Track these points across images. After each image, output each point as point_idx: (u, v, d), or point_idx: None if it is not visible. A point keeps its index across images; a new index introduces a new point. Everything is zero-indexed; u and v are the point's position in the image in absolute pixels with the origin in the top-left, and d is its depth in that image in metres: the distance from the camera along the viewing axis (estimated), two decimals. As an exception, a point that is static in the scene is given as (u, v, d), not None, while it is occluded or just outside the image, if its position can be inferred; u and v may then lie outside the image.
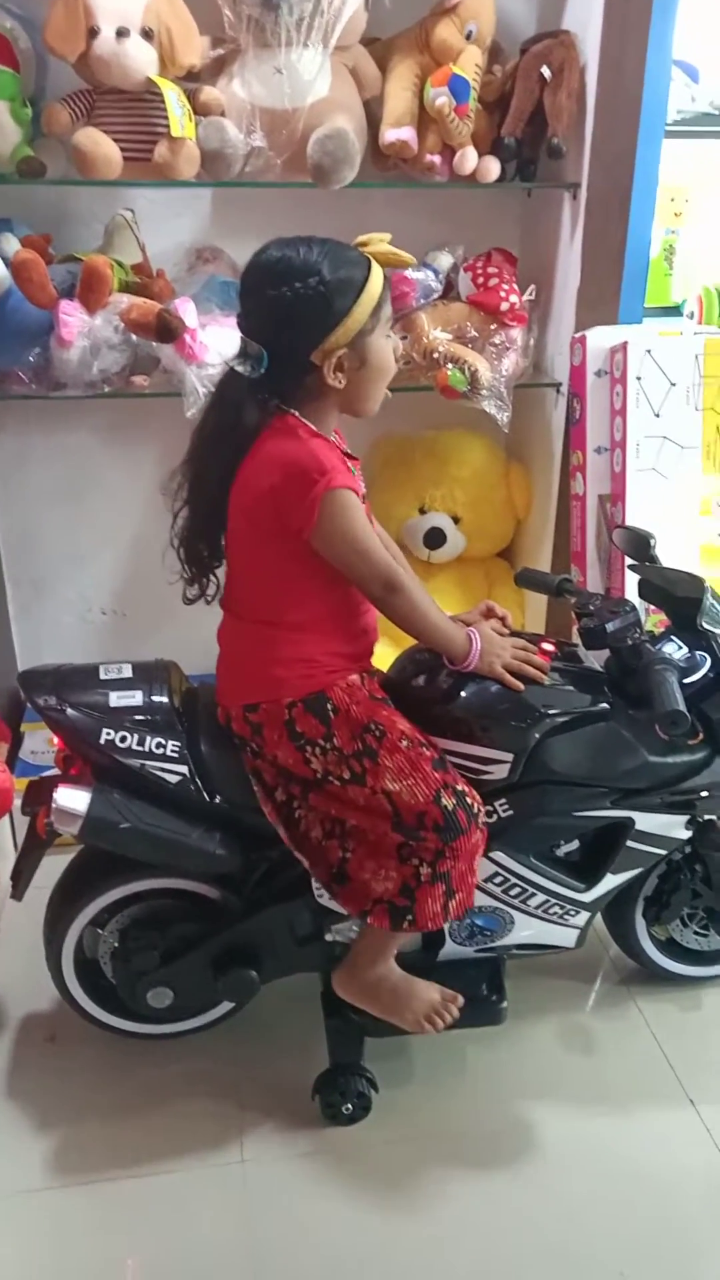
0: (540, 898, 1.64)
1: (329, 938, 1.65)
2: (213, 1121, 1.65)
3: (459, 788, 1.46)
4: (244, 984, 1.63)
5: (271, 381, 1.39)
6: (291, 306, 1.33)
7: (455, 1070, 1.74)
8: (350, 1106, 1.63)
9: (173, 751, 1.53)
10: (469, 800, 1.46)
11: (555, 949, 1.73)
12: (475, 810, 1.46)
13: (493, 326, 2.12)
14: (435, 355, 2.08)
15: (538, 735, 1.54)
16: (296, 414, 1.41)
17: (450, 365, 2.07)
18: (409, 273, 2.07)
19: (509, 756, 1.54)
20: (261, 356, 1.37)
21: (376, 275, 1.39)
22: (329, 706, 1.47)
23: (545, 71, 1.98)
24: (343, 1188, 1.54)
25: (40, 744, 2.35)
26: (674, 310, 2.52)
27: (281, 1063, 1.73)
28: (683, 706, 1.44)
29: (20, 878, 1.62)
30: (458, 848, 1.44)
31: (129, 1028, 1.74)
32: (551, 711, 1.55)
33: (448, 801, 1.43)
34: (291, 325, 1.35)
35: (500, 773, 1.55)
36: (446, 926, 1.63)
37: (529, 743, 1.54)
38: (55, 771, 1.64)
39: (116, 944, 1.65)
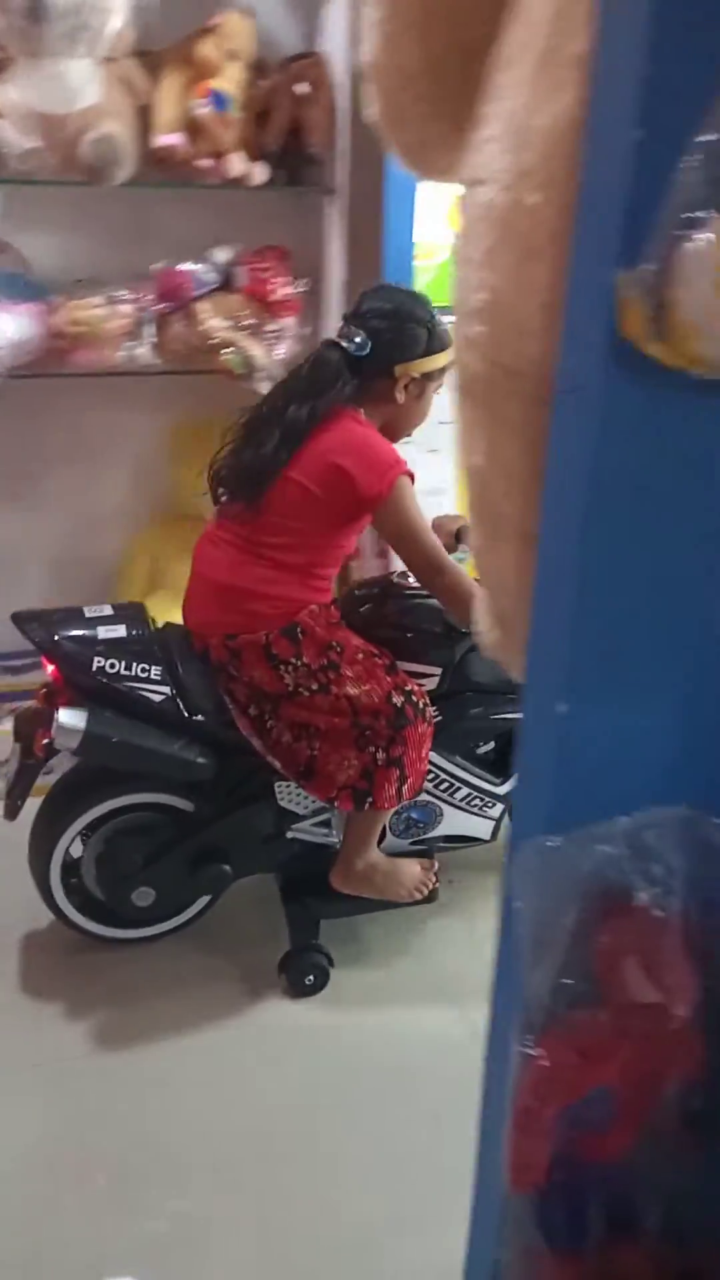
0: (464, 791, 1.97)
1: (289, 835, 1.93)
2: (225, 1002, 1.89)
3: (407, 688, 1.76)
4: (218, 877, 1.89)
5: (361, 366, 1.72)
6: (406, 323, 1.74)
7: (410, 944, 2.03)
8: (312, 979, 1.91)
9: (156, 675, 1.77)
10: (415, 698, 1.76)
11: (475, 841, 2.06)
12: (421, 706, 1.77)
13: (268, 315, 2.29)
14: (212, 341, 2.24)
15: (460, 652, 1.87)
16: (362, 413, 1.74)
17: (228, 350, 2.25)
18: (183, 266, 2.26)
19: (438, 670, 1.87)
20: (366, 343, 1.72)
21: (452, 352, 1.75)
22: (299, 630, 1.75)
23: (301, 88, 2.18)
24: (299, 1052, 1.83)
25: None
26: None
27: (245, 954, 1.98)
28: None
29: (13, 796, 1.80)
30: (407, 735, 1.74)
31: (108, 933, 1.95)
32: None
33: (398, 699, 1.74)
34: (398, 334, 1.74)
35: (431, 684, 1.86)
36: (388, 822, 1.93)
37: (454, 658, 1.86)
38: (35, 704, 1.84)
39: (102, 851, 1.87)
